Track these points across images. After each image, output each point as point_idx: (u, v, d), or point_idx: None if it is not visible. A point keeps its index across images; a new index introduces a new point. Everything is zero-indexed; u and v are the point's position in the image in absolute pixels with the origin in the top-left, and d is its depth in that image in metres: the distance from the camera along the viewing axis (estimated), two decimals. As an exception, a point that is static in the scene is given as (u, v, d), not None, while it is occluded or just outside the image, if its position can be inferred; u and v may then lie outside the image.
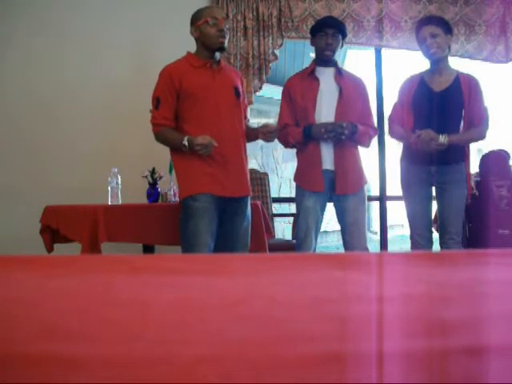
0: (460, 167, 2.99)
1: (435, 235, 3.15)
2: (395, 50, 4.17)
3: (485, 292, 0.79)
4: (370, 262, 1.11)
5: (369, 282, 0.86)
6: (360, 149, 3.03)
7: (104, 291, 0.79)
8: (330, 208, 3.03)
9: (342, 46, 3.02)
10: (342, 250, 3.99)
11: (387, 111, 3.25)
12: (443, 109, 2.93)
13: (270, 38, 3.95)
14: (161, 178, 3.16)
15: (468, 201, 3.05)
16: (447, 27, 2.98)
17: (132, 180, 3.23)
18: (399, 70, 4.45)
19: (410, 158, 3.04)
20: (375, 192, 4.38)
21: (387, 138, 3.98)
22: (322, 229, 3.22)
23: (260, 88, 4.00)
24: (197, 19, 2.62)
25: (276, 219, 4.94)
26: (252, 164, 7.90)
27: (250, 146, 2.83)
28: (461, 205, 2.99)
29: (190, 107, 2.57)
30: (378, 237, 4.48)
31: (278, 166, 9.18)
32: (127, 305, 0.70)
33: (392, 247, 6.39)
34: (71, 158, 3.87)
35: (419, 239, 3.01)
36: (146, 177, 3.15)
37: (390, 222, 4.34)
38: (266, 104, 7.80)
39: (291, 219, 4.26)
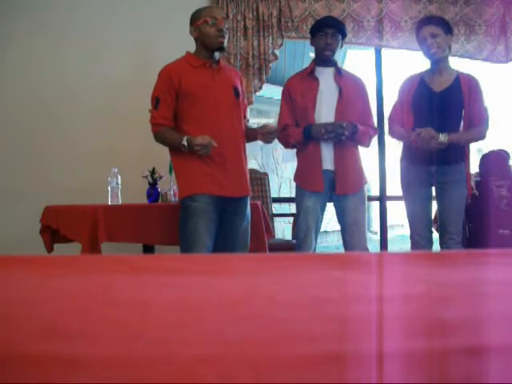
0: (460, 167, 2.99)
1: (435, 235, 3.15)
2: (395, 49, 4.17)
3: (485, 292, 0.79)
4: (370, 262, 1.11)
5: (369, 282, 0.86)
6: (360, 149, 3.03)
7: (104, 291, 0.79)
8: (330, 208, 3.03)
9: (341, 46, 3.02)
10: (342, 250, 3.99)
11: (387, 111, 3.25)
12: (443, 109, 2.93)
13: (270, 38, 3.95)
14: (161, 178, 3.16)
15: (468, 201, 3.05)
16: (448, 27, 2.98)
17: (132, 180, 3.23)
18: (399, 69, 4.45)
19: (410, 158, 3.04)
20: (375, 192, 4.38)
21: (387, 137, 3.99)
22: (322, 229, 3.22)
23: (260, 88, 4.00)
24: (196, 19, 2.61)
25: (276, 219, 4.94)
26: (252, 164, 7.90)
27: (250, 146, 2.83)
28: (461, 205, 2.99)
29: (189, 107, 2.57)
30: (378, 237, 4.48)
31: (278, 166, 9.18)
32: (127, 305, 0.70)
33: (392, 247, 6.39)
34: (71, 158, 3.87)
35: (419, 239, 3.01)
36: (146, 177, 3.15)
37: (390, 222, 4.34)
38: (265, 104, 7.81)
39: (291, 219, 4.26)
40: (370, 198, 4.09)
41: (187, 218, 2.54)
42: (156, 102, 2.58)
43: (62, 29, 3.93)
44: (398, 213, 3.73)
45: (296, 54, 7.15)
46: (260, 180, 3.90)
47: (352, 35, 4.00)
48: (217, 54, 2.64)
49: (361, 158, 3.02)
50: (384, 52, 4.28)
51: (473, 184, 3.46)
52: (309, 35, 3.06)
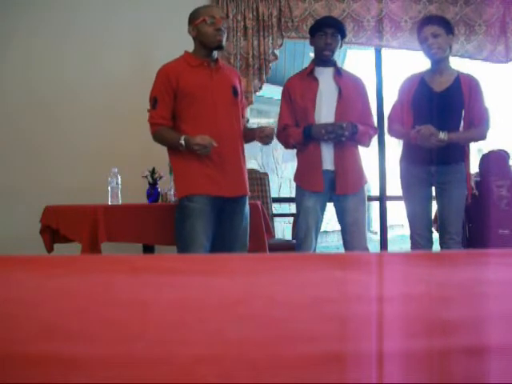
0: (460, 167, 2.99)
1: (435, 235, 3.15)
2: (395, 49, 4.17)
3: (485, 292, 0.79)
4: (370, 262, 1.11)
5: (369, 282, 0.86)
6: (360, 149, 3.03)
7: (104, 291, 0.79)
8: (330, 208, 3.03)
9: (341, 46, 3.02)
10: (342, 250, 3.99)
11: (387, 111, 3.25)
12: (443, 109, 2.93)
13: (270, 38, 3.95)
14: (161, 178, 3.16)
15: (468, 201, 3.05)
16: (449, 27, 2.97)
17: (132, 180, 3.23)
18: (399, 69, 4.45)
19: (410, 158, 3.04)
20: (375, 192, 4.38)
21: (387, 137, 3.99)
22: (322, 229, 3.22)
23: (260, 88, 4.00)
24: (194, 18, 2.61)
25: (276, 219, 4.95)
26: (252, 164, 7.90)
27: (250, 146, 2.83)
28: (461, 205, 2.99)
29: (187, 106, 2.56)
30: (378, 237, 4.48)
31: (278, 166, 9.18)
32: (127, 305, 0.70)
33: (392, 247, 6.39)
34: (71, 158, 3.87)
35: (419, 239, 3.01)
36: (146, 177, 3.15)
37: (390, 222, 4.34)
38: (265, 104, 7.81)
39: (291, 219, 4.26)
40: (370, 198, 4.09)
41: (184, 218, 2.54)
42: (154, 101, 2.58)
43: (62, 29, 3.92)
44: (398, 213, 3.73)
45: (296, 54, 7.14)
46: (260, 180, 3.90)
47: (352, 35, 4.00)
48: (215, 53, 2.64)
49: (361, 158, 3.02)
50: (384, 52, 4.28)
51: (473, 184, 3.46)
52: (309, 35, 3.06)
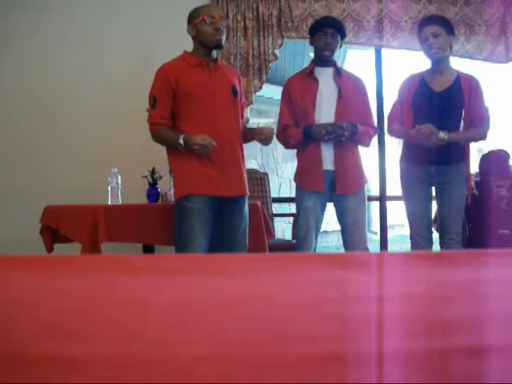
0: (460, 167, 2.99)
1: (435, 235, 3.15)
2: (395, 49, 4.17)
3: (485, 292, 0.79)
4: (370, 262, 1.11)
5: (369, 282, 0.86)
6: (360, 149, 3.03)
7: (104, 291, 0.79)
8: (330, 208, 3.03)
9: (341, 46, 3.02)
10: (342, 250, 3.99)
11: (387, 111, 3.25)
12: (443, 109, 2.93)
13: (270, 38, 3.94)
14: (161, 178, 3.16)
15: (468, 201, 3.05)
16: (449, 27, 2.97)
17: (132, 180, 3.23)
18: (399, 69, 4.45)
19: (410, 158, 3.04)
20: (375, 192, 4.38)
21: (387, 137, 3.99)
22: (322, 229, 3.22)
23: (260, 88, 4.00)
24: (194, 17, 2.61)
25: (276, 219, 4.94)
26: (252, 164, 7.90)
27: (250, 146, 2.82)
28: (461, 205, 2.99)
29: (186, 106, 2.56)
30: (378, 237, 4.48)
31: (278, 166, 9.18)
32: (127, 305, 0.70)
33: (392, 247, 6.39)
34: (71, 158, 3.87)
35: (419, 239, 3.01)
36: (146, 177, 3.15)
37: (390, 222, 4.34)
38: (265, 104, 7.81)
39: (291, 219, 4.26)
40: (370, 198, 4.09)
41: (183, 217, 2.54)
42: (153, 101, 2.58)
43: (62, 29, 3.92)
44: (398, 213, 3.73)
45: (296, 54, 7.15)
46: (260, 180, 3.90)
47: (352, 35, 3.99)
48: (214, 53, 2.64)
49: (361, 158, 3.02)
50: (384, 52, 4.28)
51: (473, 184, 3.46)
52: (308, 35, 3.06)
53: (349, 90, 2.95)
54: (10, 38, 3.90)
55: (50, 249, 2.80)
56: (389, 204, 4.24)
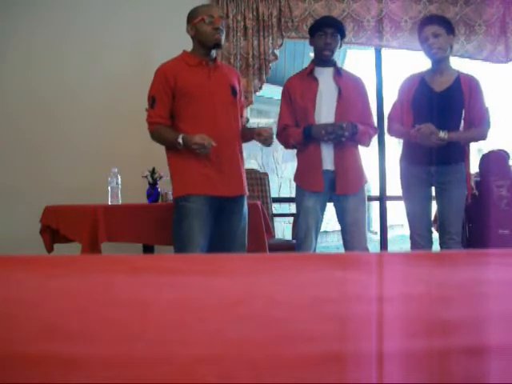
0: (460, 167, 2.99)
1: (435, 235, 3.15)
2: (395, 49, 4.17)
3: (485, 292, 0.79)
4: (370, 262, 1.11)
5: (369, 282, 0.86)
6: (360, 148, 3.03)
7: (104, 291, 0.79)
8: (330, 208, 3.03)
9: (340, 46, 3.02)
10: (342, 250, 3.99)
11: (387, 111, 3.25)
12: (443, 109, 2.93)
13: (270, 38, 3.95)
14: (161, 177, 3.16)
15: (468, 201, 3.05)
16: (450, 27, 2.97)
17: (132, 180, 3.23)
18: (399, 69, 4.45)
19: (410, 158, 3.04)
20: (375, 192, 4.38)
21: (387, 137, 3.99)
22: (322, 229, 3.22)
23: (260, 88, 4.00)
24: (193, 17, 2.61)
25: (276, 219, 4.95)
26: (252, 164, 7.90)
27: (250, 146, 2.82)
28: (461, 205, 2.99)
29: (185, 106, 2.56)
30: (378, 237, 4.48)
31: (278, 166, 9.18)
32: (127, 305, 0.70)
33: (392, 247, 6.39)
34: (71, 158, 3.87)
35: (419, 239, 3.01)
36: (146, 177, 3.15)
37: (390, 222, 4.34)
38: (265, 104, 7.81)
39: (291, 219, 4.26)
40: (370, 198, 4.09)
41: (181, 217, 2.54)
42: (152, 100, 2.58)
43: (62, 29, 3.92)
44: (398, 213, 3.73)
45: (296, 54, 7.15)
46: (260, 180, 3.90)
47: (352, 35, 4.00)
48: (213, 52, 2.64)
49: (361, 158, 3.02)
50: (384, 52, 4.28)
51: (473, 184, 3.47)
52: (308, 35, 3.06)
53: (349, 89, 2.95)
54: (10, 38, 3.90)
55: (49, 249, 2.80)
56: (389, 204, 4.24)
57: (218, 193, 2.57)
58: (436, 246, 3.20)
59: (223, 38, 2.63)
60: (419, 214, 3.03)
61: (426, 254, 1.39)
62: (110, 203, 2.93)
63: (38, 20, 3.91)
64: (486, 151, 3.93)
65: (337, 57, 3.04)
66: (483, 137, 3.01)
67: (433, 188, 3.04)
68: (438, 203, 3.07)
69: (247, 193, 2.72)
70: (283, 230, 7.58)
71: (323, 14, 3.84)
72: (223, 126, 2.59)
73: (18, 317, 0.64)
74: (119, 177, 2.99)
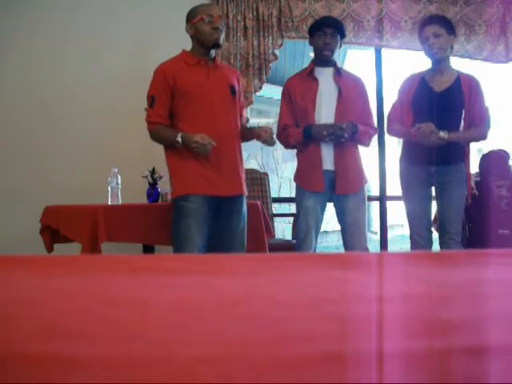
0: (460, 167, 2.99)
1: (435, 235, 3.15)
2: (395, 49, 4.17)
3: (485, 292, 0.79)
4: (370, 262, 1.11)
5: (369, 282, 0.86)
6: (360, 148, 3.03)
7: (104, 291, 0.79)
8: (330, 208, 3.03)
9: (340, 46, 3.02)
10: (342, 250, 3.99)
11: (387, 111, 3.25)
12: (443, 109, 2.93)
13: (270, 38, 3.95)
14: (161, 177, 3.16)
15: (468, 201, 3.05)
16: (450, 27, 2.97)
17: (132, 180, 3.23)
18: (399, 69, 4.45)
19: (410, 158, 3.04)
20: (375, 192, 4.38)
21: (387, 137, 3.99)
22: (322, 229, 3.22)
23: (260, 88, 4.00)
24: (192, 17, 2.61)
25: (276, 219, 4.95)
26: (252, 164, 7.90)
27: (250, 146, 2.82)
28: (461, 205, 2.99)
29: (184, 105, 2.56)
30: (378, 237, 4.48)
31: (278, 166, 9.19)
32: (127, 305, 0.70)
33: (392, 247, 6.39)
34: (71, 158, 3.87)
35: (419, 239, 3.01)
36: (146, 177, 3.15)
37: (390, 222, 4.34)
38: (265, 104, 7.81)
39: (291, 219, 4.26)
40: (370, 198, 4.09)
41: (180, 217, 2.54)
42: (151, 100, 2.58)
43: (62, 29, 3.92)
44: (398, 213, 3.73)
45: (296, 54, 7.15)
46: (260, 180, 3.90)
47: (352, 35, 4.00)
48: (212, 52, 2.64)
49: (361, 158, 3.03)
50: (384, 52, 4.28)
51: (473, 184, 3.46)
52: (308, 35, 3.06)
53: (349, 89, 2.95)
54: (10, 38, 3.90)
55: (49, 249, 2.80)
56: (389, 204, 4.24)
57: (217, 192, 2.57)
58: (436, 246, 3.20)
59: (222, 37, 2.63)
60: (419, 214, 3.03)
61: (426, 254, 1.40)
62: (110, 203, 2.93)
63: (37, 20, 3.91)
64: (486, 151, 3.93)
65: (337, 57, 3.04)
66: (483, 137, 3.01)
67: (433, 188, 3.04)
68: (437, 203, 3.07)
69: (246, 192, 2.72)
70: (283, 230, 7.58)
71: (323, 14, 3.84)
72: (222, 125, 2.58)
73: (18, 317, 0.64)
74: (119, 177, 2.99)
